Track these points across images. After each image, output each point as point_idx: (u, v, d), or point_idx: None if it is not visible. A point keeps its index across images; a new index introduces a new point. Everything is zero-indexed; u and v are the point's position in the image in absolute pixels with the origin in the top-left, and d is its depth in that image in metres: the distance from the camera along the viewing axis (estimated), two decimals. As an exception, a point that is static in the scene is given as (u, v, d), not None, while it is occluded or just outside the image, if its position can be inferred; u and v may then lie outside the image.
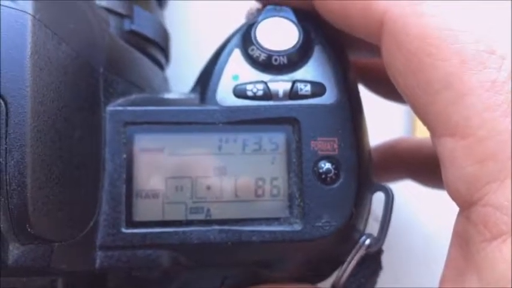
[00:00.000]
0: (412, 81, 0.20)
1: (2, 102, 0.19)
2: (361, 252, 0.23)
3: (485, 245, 0.18)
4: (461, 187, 0.19)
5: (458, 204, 0.20)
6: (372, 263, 0.24)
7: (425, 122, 0.21)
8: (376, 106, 0.30)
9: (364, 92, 0.29)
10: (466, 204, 0.19)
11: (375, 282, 0.25)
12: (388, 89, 0.30)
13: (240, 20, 0.26)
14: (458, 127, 0.19)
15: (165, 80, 0.30)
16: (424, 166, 0.31)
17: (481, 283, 0.19)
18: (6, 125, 0.19)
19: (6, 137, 0.19)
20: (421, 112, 0.21)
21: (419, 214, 0.38)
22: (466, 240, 0.20)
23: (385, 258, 0.25)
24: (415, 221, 0.37)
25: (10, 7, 0.20)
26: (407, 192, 0.34)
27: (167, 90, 0.29)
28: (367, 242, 0.23)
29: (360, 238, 0.23)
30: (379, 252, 0.24)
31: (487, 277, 0.18)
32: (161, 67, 0.30)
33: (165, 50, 0.30)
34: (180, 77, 0.30)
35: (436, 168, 0.30)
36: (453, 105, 0.19)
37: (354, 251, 0.23)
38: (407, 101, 0.22)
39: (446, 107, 0.19)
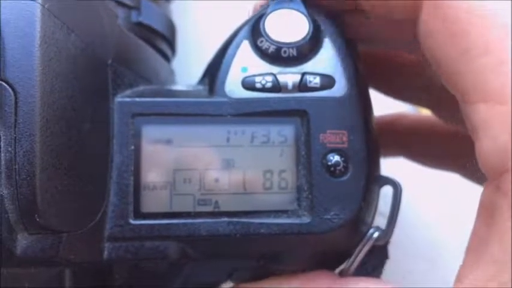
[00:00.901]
0: (450, 48, 0.21)
1: (11, 91, 0.19)
2: (369, 244, 0.23)
3: None
4: (493, 155, 0.19)
5: (488, 173, 0.20)
6: (378, 252, 0.24)
7: (458, 90, 0.21)
8: (382, 105, 0.30)
9: (371, 90, 0.29)
10: (497, 173, 0.19)
11: (381, 271, 0.25)
12: (392, 86, 0.30)
13: (245, 12, 0.26)
14: (494, 93, 0.19)
15: (172, 72, 0.30)
16: (421, 144, 0.31)
17: (502, 251, 0.19)
18: (16, 114, 0.19)
19: (15, 126, 0.19)
20: (455, 79, 0.21)
21: (425, 213, 0.37)
22: (491, 210, 0.20)
23: (391, 257, 0.25)
24: (422, 220, 0.37)
25: (20, -3, 0.20)
26: (414, 191, 0.34)
27: (173, 82, 0.29)
28: (375, 234, 0.23)
29: (368, 231, 0.23)
30: (386, 241, 0.24)
31: (508, 245, 0.18)
32: (167, 59, 0.30)
33: (171, 42, 0.30)
34: (186, 69, 0.30)
35: (432, 148, 0.30)
36: (491, 71, 0.19)
37: (361, 244, 0.23)
38: (443, 72, 0.22)
39: (484, 73, 0.20)
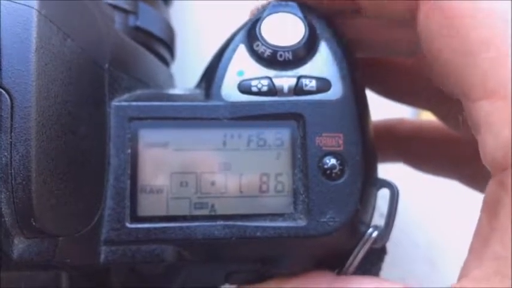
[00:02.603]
0: (450, 43, 0.20)
1: (7, 96, 0.19)
2: (368, 245, 0.23)
3: None
4: (496, 150, 0.19)
5: (491, 169, 0.20)
6: (377, 248, 0.24)
7: (460, 87, 0.21)
8: (382, 108, 0.30)
9: (369, 93, 0.29)
10: (500, 168, 0.19)
11: (380, 267, 0.25)
12: (391, 89, 0.30)
13: (245, 17, 0.26)
14: (496, 89, 0.19)
15: (170, 76, 0.30)
16: (421, 150, 0.31)
17: (504, 247, 0.19)
18: (12, 119, 0.19)
19: (11, 131, 0.19)
20: (456, 77, 0.21)
21: (425, 214, 0.37)
22: (494, 206, 0.20)
23: (389, 259, 0.25)
24: (421, 222, 0.37)
25: (16, 2, 0.20)
26: (412, 193, 0.34)
27: (172, 86, 0.29)
28: (375, 234, 0.23)
29: (365, 232, 0.23)
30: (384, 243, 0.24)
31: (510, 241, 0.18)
32: (166, 63, 0.30)
33: (170, 46, 0.30)
34: (186, 73, 0.30)
35: (432, 154, 0.30)
36: (492, 67, 0.19)
37: (360, 244, 0.23)
38: (442, 70, 0.21)
39: (485, 68, 0.19)
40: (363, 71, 0.26)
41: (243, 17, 0.26)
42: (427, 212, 0.37)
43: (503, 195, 0.19)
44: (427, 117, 0.33)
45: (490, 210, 0.20)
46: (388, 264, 0.25)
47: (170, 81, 0.30)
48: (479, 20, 0.20)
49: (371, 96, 0.26)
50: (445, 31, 0.21)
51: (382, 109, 0.30)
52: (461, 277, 0.21)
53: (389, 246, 0.25)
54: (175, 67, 0.32)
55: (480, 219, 0.21)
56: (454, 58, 0.21)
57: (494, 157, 0.19)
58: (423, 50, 0.22)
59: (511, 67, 0.19)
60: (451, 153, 0.31)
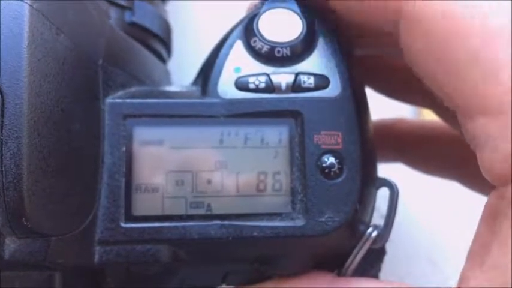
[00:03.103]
0: (437, 63, 0.20)
1: (-2, 93, 0.19)
2: (367, 245, 0.23)
3: None
4: (496, 165, 0.19)
5: (492, 182, 0.20)
6: (376, 249, 0.23)
7: (454, 105, 0.20)
8: (382, 106, 0.30)
9: (369, 91, 0.29)
10: (502, 182, 0.19)
11: (379, 268, 0.24)
12: (393, 88, 0.30)
13: (242, 13, 0.25)
14: (491, 105, 0.19)
15: (167, 73, 0.29)
16: (421, 150, 0.31)
17: (504, 256, 0.19)
18: (2, 116, 0.19)
19: (2, 128, 0.19)
20: (448, 95, 0.20)
21: (425, 214, 0.37)
22: (495, 216, 0.19)
23: (389, 259, 0.25)
24: (422, 221, 0.37)
25: (8, -4, 0.20)
26: (412, 192, 0.34)
27: (168, 83, 0.29)
28: (374, 234, 0.23)
29: (365, 231, 0.23)
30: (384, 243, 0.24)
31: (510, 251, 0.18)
32: (163, 60, 0.29)
33: (166, 42, 0.29)
34: (182, 69, 0.30)
35: (431, 154, 0.30)
36: (484, 83, 0.19)
37: (359, 244, 0.23)
38: (432, 86, 0.21)
39: (477, 85, 0.19)
40: (363, 69, 0.25)
41: (240, 13, 0.25)
42: (428, 212, 0.37)
43: (504, 207, 0.19)
44: (428, 116, 0.33)
45: (490, 219, 0.20)
46: (388, 264, 0.25)
47: (166, 77, 0.29)
48: (459, 33, 0.19)
49: (371, 95, 0.26)
50: (428, 51, 0.20)
51: (382, 108, 0.30)
52: (460, 283, 0.21)
53: (390, 246, 0.24)
54: (172, 64, 0.32)
55: (479, 228, 0.21)
56: (442, 77, 0.20)
57: (495, 172, 0.19)
58: (409, 64, 0.22)
59: (503, 82, 0.18)
60: (451, 153, 0.30)
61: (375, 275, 0.25)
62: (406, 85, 0.30)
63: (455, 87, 0.20)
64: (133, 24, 0.26)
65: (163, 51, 0.29)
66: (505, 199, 0.19)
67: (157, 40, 0.28)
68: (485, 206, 0.20)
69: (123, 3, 0.26)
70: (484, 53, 0.19)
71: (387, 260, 0.25)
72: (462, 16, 0.19)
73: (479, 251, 0.20)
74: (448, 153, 0.31)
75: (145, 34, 0.27)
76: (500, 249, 0.19)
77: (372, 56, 0.29)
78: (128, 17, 0.26)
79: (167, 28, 0.30)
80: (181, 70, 0.31)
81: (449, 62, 0.19)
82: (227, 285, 0.25)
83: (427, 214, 0.37)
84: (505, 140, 0.19)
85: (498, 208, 0.19)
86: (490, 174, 0.20)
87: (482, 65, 0.19)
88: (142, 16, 0.27)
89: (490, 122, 0.19)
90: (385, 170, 0.25)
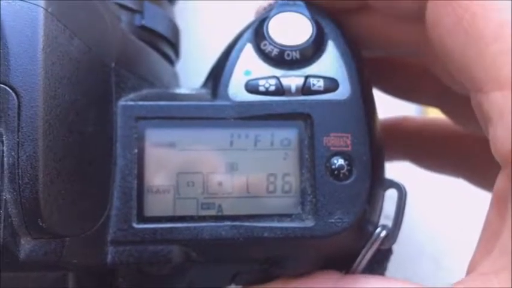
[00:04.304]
0: (461, 36, 0.20)
1: (14, 96, 0.19)
2: (376, 245, 0.23)
3: None
4: (507, 142, 0.19)
5: (502, 161, 0.20)
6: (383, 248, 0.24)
7: (471, 79, 0.21)
8: (388, 105, 0.30)
9: (375, 91, 0.29)
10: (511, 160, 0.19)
11: (385, 267, 0.25)
12: (398, 87, 0.30)
13: (250, 16, 0.26)
14: (507, 80, 0.19)
15: (175, 76, 0.30)
16: (427, 148, 0.31)
17: None
18: (19, 119, 0.19)
19: (18, 131, 0.19)
20: (467, 69, 0.20)
21: (430, 214, 0.37)
22: (505, 199, 0.19)
23: (394, 259, 0.25)
24: (426, 221, 0.37)
25: (23, 0, 0.20)
26: (416, 192, 0.34)
27: (177, 85, 0.29)
28: (383, 234, 0.23)
29: (373, 232, 0.23)
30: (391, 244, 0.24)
31: None
32: (171, 62, 0.30)
33: (175, 45, 0.30)
34: (190, 72, 0.30)
35: (437, 152, 0.30)
36: (503, 57, 0.19)
37: (368, 245, 0.23)
38: (452, 63, 0.21)
39: (497, 59, 0.19)
40: (370, 69, 0.25)
41: (249, 16, 0.26)
42: (432, 211, 0.37)
43: None
44: (434, 114, 0.33)
45: (500, 204, 0.20)
46: (392, 263, 0.25)
47: (175, 80, 0.30)
48: (488, 9, 0.20)
49: (375, 94, 0.26)
50: (454, 24, 0.20)
51: (387, 107, 0.30)
52: (469, 271, 0.21)
53: (394, 245, 0.25)
54: (180, 66, 0.32)
55: (489, 213, 0.21)
56: (465, 50, 0.20)
57: (506, 149, 0.19)
58: (432, 44, 0.22)
59: None
60: (458, 151, 0.30)
61: (381, 274, 0.25)
62: (411, 84, 0.30)
63: (476, 60, 0.20)
64: (143, 28, 0.27)
65: (171, 54, 0.29)
66: None
67: (166, 43, 0.29)
68: (494, 189, 0.20)
69: (133, 6, 0.26)
70: (507, 29, 0.19)
71: (392, 260, 0.25)
72: None
73: (489, 237, 0.20)
74: (454, 151, 0.31)
75: (154, 37, 0.27)
76: (508, 234, 0.19)
77: (378, 57, 0.29)
78: (137, 20, 0.27)
79: (176, 31, 0.30)
80: (189, 72, 0.31)
81: (474, 35, 0.20)
82: (236, 285, 0.25)
83: (432, 214, 0.37)
84: None
85: (506, 192, 0.19)
86: (501, 151, 0.19)
87: (504, 39, 0.19)
88: (152, 19, 0.27)
89: (503, 96, 0.19)
90: (390, 169, 0.26)
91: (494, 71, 0.19)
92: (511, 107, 0.19)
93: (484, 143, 0.21)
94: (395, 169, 0.28)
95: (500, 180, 0.20)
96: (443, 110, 0.30)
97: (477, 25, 0.20)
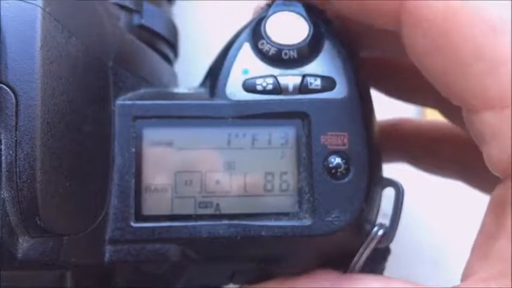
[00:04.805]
0: (441, 58, 0.20)
1: (12, 94, 0.19)
2: (373, 243, 0.23)
3: None
4: (504, 157, 0.19)
5: (500, 174, 0.20)
6: (381, 248, 0.24)
7: (459, 100, 0.20)
8: (386, 106, 0.30)
9: (373, 91, 0.29)
10: (508, 175, 0.19)
11: (383, 267, 0.25)
12: (397, 88, 0.30)
13: (249, 16, 0.26)
14: (497, 99, 0.19)
15: (174, 75, 0.30)
16: (425, 150, 0.31)
17: (510, 247, 0.19)
18: (16, 117, 0.19)
19: (16, 129, 0.19)
20: (453, 91, 0.20)
21: (428, 215, 0.37)
22: (502, 207, 0.19)
23: (392, 259, 0.25)
24: (424, 222, 0.37)
25: (21, 0, 0.20)
26: (415, 192, 0.34)
27: (176, 85, 0.29)
28: (380, 232, 0.23)
29: (371, 230, 0.23)
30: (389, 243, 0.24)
31: None
32: (170, 62, 0.30)
33: (173, 45, 0.30)
34: (189, 72, 0.30)
35: (435, 154, 0.30)
36: (488, 76, 0.19)
37: (365, 243, 0.23)
38: (436, 83, 0.21)
39: (481, 79, 0.19)
40: (368, 70, 0.25)
41: (247, 15, 0.26)
42: (430, 212, 0.37)
43: (511, 198, 0.19)
44: (432, 116, 0.33)
45: (497, 210, 0.20)
46: (391, 264, 0.25)
47: (173, 79, 0.30)
48: (462, 28, 0.19)
49: (375, 95, 0.26)
50: (431, 47, 0.20)
51: (386, 108, 0.30)
52: (465, 277, 0.21)
53: (393, 246, 0.25)
54: (179, 65, 0.32)
55: (485, 219, 0.21)
56: (446, 73, 0.20)
57: (502, 165, 0.19)
58: (414, 62, 0.22)
59: (507, 75, 0.19)
60: (456, 153, 0.30)
61: (380, 274, 0.25)
62: (409, 85, 0.30)
63: (460, 82, 0.20)
64: (141, 27, 0.27)
65: (170, 54, 0.30)
66: (510, 191, 0.19)
67: (165, 42, 0.29)
68: (492, 197, 0.21)
69: (131, 6, 0.26)
70: (488, 47, 0.19)
71: (390, 260, 0.25)
72: (463, 11, 0.19)
73: (485, 242, 0.20)
74: (452, 153, 0.31)
75: (153, 37, 0.28)
76: (507, 240, 0.19)
77: (375, 57, 0.29)
78: (136, 19, 0.27)
79: (174, 30, 0.30)
80: (187, 72, 0.31)
81: (453, 57, 0.20)
82: (234, 284, 0.25)
83: (430, 214, 0.37)
84: (510, 132, 0.19)
85: (505, 199, 0.19)
86: (496, 168, 0.20)
87: (486, 59, 0.19)
88: (151, 19, 0.27)
89: (494, 115, 0.19)
90: (388, 170, 0.26)
91: (481, 91, 0.19)
92: (502, 126, 0.19)
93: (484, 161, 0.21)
94: (395, 169, 0.28)
95: (499, 188, 0.20)
96: (442, 112, 0.30)
97: (458, 48, 0.19)
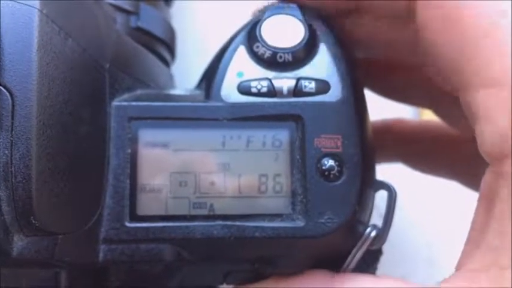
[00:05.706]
0: (449, 36, 0.21)
1: (8, 95, 0.19)
2: (366, 245, 0.23)
3: None
4: (495, 139, 0.19)
5: (489, 159, 0.20)
6: (373, 249, 0.24)
7: (459, 78, 0.21)
8: (382, 106, 0.30)
9: (369, 93, 0.29)
10: (499, 158, 0.19)
11: (375, 268, 0.25)
12: (392, 89, 0.31)
13: (246, 18, 0.26)
14: (494, 78, 0.19)
15: (171, 77, 0.30)
16: (420, 150, 0.31)
17: (500, 236, 0.19)
18: (12, 118, 0.19)
19: (12, 130, 0.19)
20: (455, 68, 0.21)
21: (422, 214, 0.38)
22: (491, 197, 0.20)
23: (386, 260, 0.25)
24: (419, 222, 0.37)
25: (18, 1, 0.20)
26: (410, 193, 0.34)
27: (172, 86, 0.30)
28: (373, 233, 0.23)
29: (364, 232, 0.23)
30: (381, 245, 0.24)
31: (507, 229, 0.18)
32: (167, 64, 0.30)
33: (170, 47, 0.30)
34: (186, 73, 0.31)
35: (431, 154, 0.30)
36: (491, 53, 0.20)
37: (358, 245, 0.23)
38: (440, 61, 0.22)
39: (484, 58, 0.20)
40: (363, 71, 0.26)
41: (243, 17, 0.26)
42: (426, 212, 0.37)
43: (501, 185, 0.19)
44: (428, 117, 0.33)
45: (486, 201, 0.20)
46: (386, 264, 0.26)
47: (170, 81, 0.30)
48: (475, 11, 0.20)
49: (370, 96, 0.26)
50: (443, 24, 0.21)
51: (382, 109, 0.30)
52: (457, 268, 0.21)
53: (388, 246, 0.25)
54: (176, 68, 0.32)
55: (476, 211, 0.21)
56: (453, 49, 0.21)
57: (493, 146, 0.19)
58: (422, 43, 0.22)
59: (507, 56, 0.19)
60: (451, 153, 0.31)
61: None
62: (405, 86, 0.30)
63: (464, 60, 0.20)
64: (138, 29, 0.27)
65: (167, 55, 0.30)
66: (502, 175, 0.19)
67: (162, 44, 0.29)
68: (481, 187, 0.21)
69: (128, 8, 0.27)
70: (494, 29, 0.20)
71: (385, 260, 0.26)
72: None
73: (476, 234, 0.20)
74: (447, 153, 0.31)
75: (150, 38, 0.28)
76: (497, 230, 0.19)
77: (371, 58, 0.29)
78: (133, 21, 0.27)
79: (171, 32, 0.30)
80: (184, 74, 0.31)
81: (461, 36, 0.20)
82: (227, 284, 0.26)
83: (424, 214, 0.37)
84: (504, 114, 0.19)
85: (495, 186, 0.20)
86: (488, 149, 0.20)
87: (493, 38, 0.20)
88: (148, 21, 0.27)
89: (491, 94, 0.19)
90: (382, 171, 0.26)
91: (481, 69, 0.20)
92: (496, 105, 0.19)
93: (477, 145, 0.21)
94: (390, 170, 0.28)
95: (487, 178, 0.20)
96: (437, 112, 0.30)
97: (465, 27, 0.20)
